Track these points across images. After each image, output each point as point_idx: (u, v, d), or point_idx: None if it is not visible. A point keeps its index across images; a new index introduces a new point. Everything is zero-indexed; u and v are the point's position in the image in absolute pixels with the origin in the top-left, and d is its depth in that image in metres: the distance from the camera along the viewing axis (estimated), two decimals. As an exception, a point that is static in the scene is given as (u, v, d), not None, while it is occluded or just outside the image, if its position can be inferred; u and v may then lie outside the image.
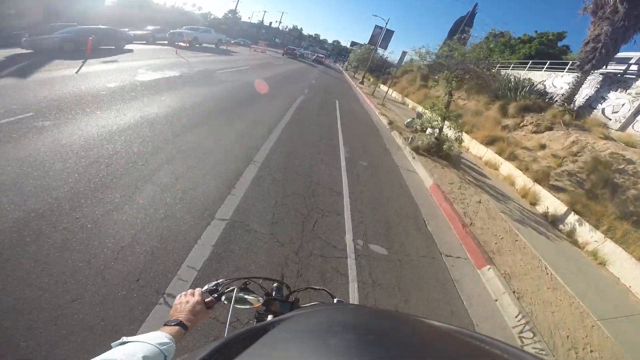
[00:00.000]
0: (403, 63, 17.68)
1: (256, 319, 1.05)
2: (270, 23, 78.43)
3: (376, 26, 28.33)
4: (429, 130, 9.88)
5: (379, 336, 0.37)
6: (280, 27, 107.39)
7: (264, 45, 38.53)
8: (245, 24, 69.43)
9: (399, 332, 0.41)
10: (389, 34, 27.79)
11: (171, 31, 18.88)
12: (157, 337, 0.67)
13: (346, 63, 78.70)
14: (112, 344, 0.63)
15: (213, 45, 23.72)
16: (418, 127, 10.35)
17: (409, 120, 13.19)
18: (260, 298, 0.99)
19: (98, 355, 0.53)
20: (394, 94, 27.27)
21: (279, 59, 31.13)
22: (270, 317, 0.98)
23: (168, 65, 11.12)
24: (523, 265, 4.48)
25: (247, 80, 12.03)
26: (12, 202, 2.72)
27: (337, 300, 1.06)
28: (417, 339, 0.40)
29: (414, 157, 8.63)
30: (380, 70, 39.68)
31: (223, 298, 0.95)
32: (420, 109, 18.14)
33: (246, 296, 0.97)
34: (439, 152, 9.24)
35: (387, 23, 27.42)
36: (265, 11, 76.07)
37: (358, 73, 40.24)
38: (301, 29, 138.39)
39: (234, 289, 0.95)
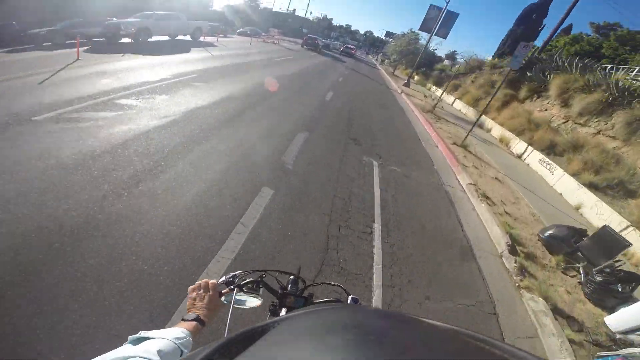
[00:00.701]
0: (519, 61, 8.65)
1: (270, 311, 1.05)
2: (294, 10, 69.38)
3: (432, 6, 19.20)
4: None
5: (379, 336, 0.36)
6: (311, 17, 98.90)
7: (278, 34, 30.72)
8: (267, 12, 61.97)
9: (399, 332, 0.40)
10: (451, 17, 18.66)
11: (108, 21, 11.84)
12: (174, 332, 0.68)
13: (380, 55, 68.76)
14: (129, 337, 0.62)
15: (189, 37, 16.49)
16: None
17: (550, 232, 4.94)
18: (260, 298, 0.98)
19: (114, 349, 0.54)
20: (456, 105, 18.36)
21: (292, 52, 23.23)
22: (284, 311, 1.00)
23: None
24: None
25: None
26: None
27: (352, 298, 1.03)
28: (417, 339, 0.39)
29: None
30: (428, 67, 30.46)
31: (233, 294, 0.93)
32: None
33: (246, 296, 0.96)
34: None
35: (448, 2, 18.28)
36: (291, -1, 67.45)
37: (398, 69, 31.18)
38: (331, 19, 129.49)
39: (251, 282, 0.96)
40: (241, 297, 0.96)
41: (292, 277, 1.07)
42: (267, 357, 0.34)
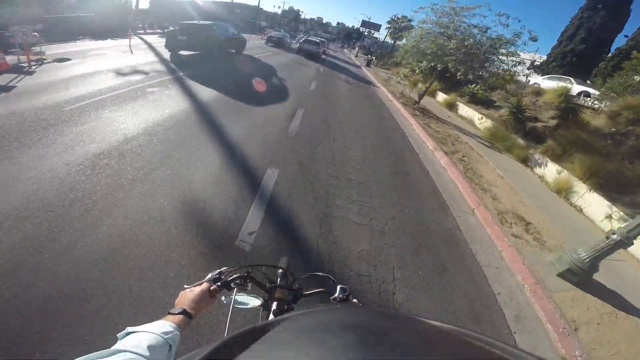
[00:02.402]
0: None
1: (262, 306, 1.06)
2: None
3: None
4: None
5: (379, 336, 0.36)
6: (278, 10, 78.83)
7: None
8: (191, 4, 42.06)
9: (399, 332, 0.40)
10: None
11: None
12: (162, 326, 0.66)
13: (358, 48, 50.54)
14: (118, 335, 0.61)
15: None
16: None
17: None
18: (260, 298, 0.99)
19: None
20: None
21: None
22: (274, 304, 1.01)
23: None
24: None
25: None
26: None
27: (341, 287, 1.01)
28: (417, 339, 0.39)
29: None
30: (455, 81, 12.76)
31: (227, 293, 0.93)
32: None
33: (246, 296, 0.97)
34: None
35: None
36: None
37: (415, 87, 13.17)
38: (298, 10, 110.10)
39: (238, 277, 0.93)
40: (241, 297, 0.95)
41: (280, 270, 1.09)
42: (267, 357, 0.34)
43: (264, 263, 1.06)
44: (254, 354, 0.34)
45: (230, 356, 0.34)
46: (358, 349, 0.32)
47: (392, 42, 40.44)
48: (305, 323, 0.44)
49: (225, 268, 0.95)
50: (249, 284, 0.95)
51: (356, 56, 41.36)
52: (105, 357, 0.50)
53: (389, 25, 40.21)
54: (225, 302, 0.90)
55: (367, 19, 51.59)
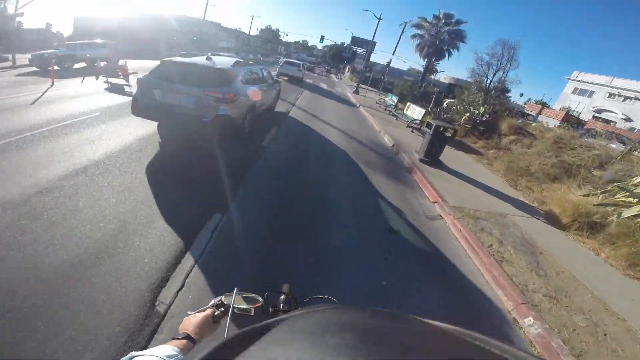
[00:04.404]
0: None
1: (260, 305, 1.12)
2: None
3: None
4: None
5: (379, 336, 0.36)
6: (255, 31, 62.26)
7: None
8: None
9: (399, 332, 0.40)
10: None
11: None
12: (165, 351, 0.65)
13: (348, 71, 31.81)
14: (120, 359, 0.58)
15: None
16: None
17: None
18: (260, 298, 0.99)
19: None
20: None
21: None
22: None
23: None
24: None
25: None
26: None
27: None
28: (416, 339, 0.39)
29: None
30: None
31: (226, 303, 0.93)
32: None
33: (246, 295, 0.98)
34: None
35: None
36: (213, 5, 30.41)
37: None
38: (277, 30, 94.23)
39: (233, 291, 0.93)
40: (242, 297, 0.97)
41: (283, 296, 1.07)
42: (267, 357, 0.33)
43: (267, 289, 1.05)
44: (253, 354, 0.33)
45: (230, 356, 0.33)
46: (356, 349, 0.31)
47: (425, 68, 22.80)
48: (304, 323, 0.43)
49: (228, 294, 0.94)
50: (253, 309, 0.94)
51: (355, 92, 23.36)
52: None
53: (426, 27, 22.76)
54: (225, 303, 0.92)
55: (377, 21, 33.89)
